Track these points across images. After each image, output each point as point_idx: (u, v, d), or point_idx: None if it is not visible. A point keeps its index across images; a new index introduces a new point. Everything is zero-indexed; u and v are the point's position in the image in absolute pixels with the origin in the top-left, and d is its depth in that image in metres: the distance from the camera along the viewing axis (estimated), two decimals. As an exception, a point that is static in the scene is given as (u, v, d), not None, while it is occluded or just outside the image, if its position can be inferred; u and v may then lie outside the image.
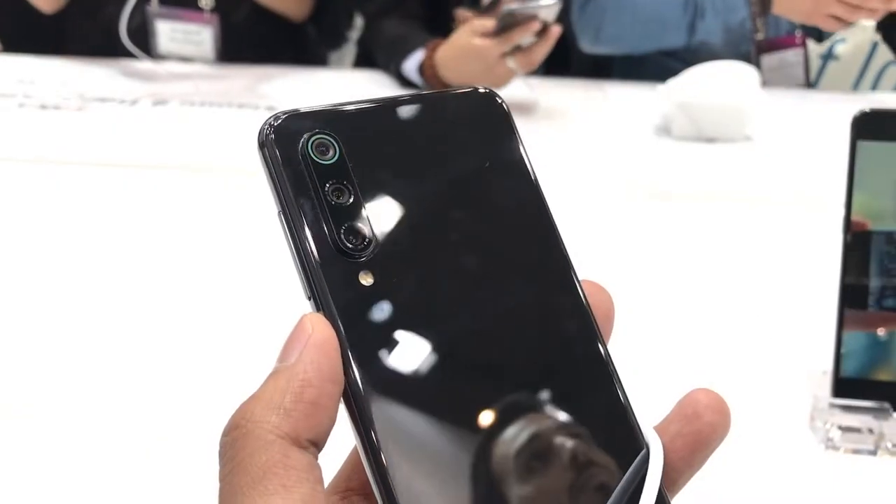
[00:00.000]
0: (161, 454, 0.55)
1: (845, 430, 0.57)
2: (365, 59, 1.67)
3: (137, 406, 0.60)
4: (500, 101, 0.31)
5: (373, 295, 0.27)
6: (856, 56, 1.63)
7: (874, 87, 1.61)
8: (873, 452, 0.57)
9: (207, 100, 1.34)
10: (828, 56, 1.62)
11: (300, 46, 1.69)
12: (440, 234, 0.28)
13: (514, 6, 1.26)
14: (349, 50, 1.84)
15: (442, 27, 1.42)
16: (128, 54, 1.51)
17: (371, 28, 1.59)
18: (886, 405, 0.56)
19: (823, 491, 0.54)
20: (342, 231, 0.27)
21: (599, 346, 0.29)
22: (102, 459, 0.55)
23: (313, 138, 0.28)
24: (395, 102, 0.30)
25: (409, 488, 0.25)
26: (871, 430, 0.57)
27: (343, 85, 1.50)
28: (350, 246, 0.27)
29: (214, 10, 1.52)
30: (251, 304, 0.74)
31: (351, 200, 0.28)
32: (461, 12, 1.40)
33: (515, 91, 1.36)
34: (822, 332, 0.60)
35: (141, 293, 0.76)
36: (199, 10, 1.52)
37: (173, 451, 0.55)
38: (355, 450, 0.29)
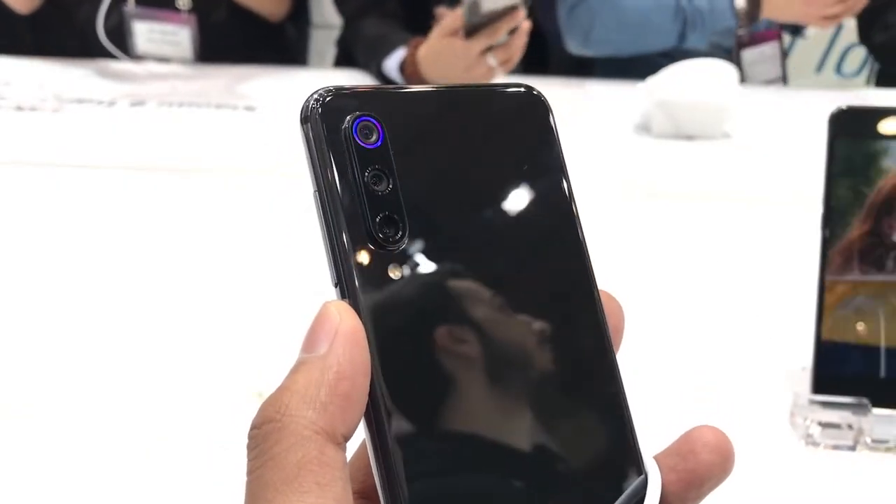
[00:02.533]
0: (161, 454, 0.55)
1: (825, 426, 0.57)
2: (345, 60, 1.66)
3: (137, 406, 0.60)
4: (545, 102, 0.30)
5: (399, 290, 0.26)
6: (822, 35, 1.71)
7: (838, 66, 1.68)
8: (852, 448, 0.57)
9: (186, 100, 1.33)
10: (796, 34, 1.71)
11: (279, 46, 1.68)
12: (471, 234, 0.28)
13: (485, 7, 1.26)
14: (329, 50, 1.83)
15: (421, 26, 1.41)
16: (105, 55, 1.50)
17: (350, 28, 1.59)
18: (865, 401, 0.57)
19: (804, 487, 0.55)
20: (377, 219, 0.26)
21: (612, 364, 0.29)
22: (102, 459, 0.55)
23: (359, 120, 0.27)
24: (441, 92, 0.29)
25: (415, 492, 0.25)
26: (850, 426, 0.57)
27: (323, 84, 1.49)
28: (383, 236, 0.26)
29: (192, 10, 1.51)
30: (237, 302, 0.74)
31: (389, 188, 0.27)
32: (441, 11, 1.40)
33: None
34: (801, 329, 0.60)
35: (128, 293, 0.75)
36: (177, 10, 1.51)
37: (173, 451, 0.55)
38: (359, 451, 0.28)
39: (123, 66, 1.50)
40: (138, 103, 1.31)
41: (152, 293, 0.76)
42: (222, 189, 1.01)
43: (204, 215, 0.95)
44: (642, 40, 1.55)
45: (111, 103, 1.31)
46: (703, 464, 0.27)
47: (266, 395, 0.63)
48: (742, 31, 1.57)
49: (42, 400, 0.60)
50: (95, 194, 0.99)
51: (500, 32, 1.28)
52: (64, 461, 0.54)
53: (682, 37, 1.52)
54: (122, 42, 1.50)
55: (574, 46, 1.60)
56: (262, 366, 0.64)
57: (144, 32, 1.50)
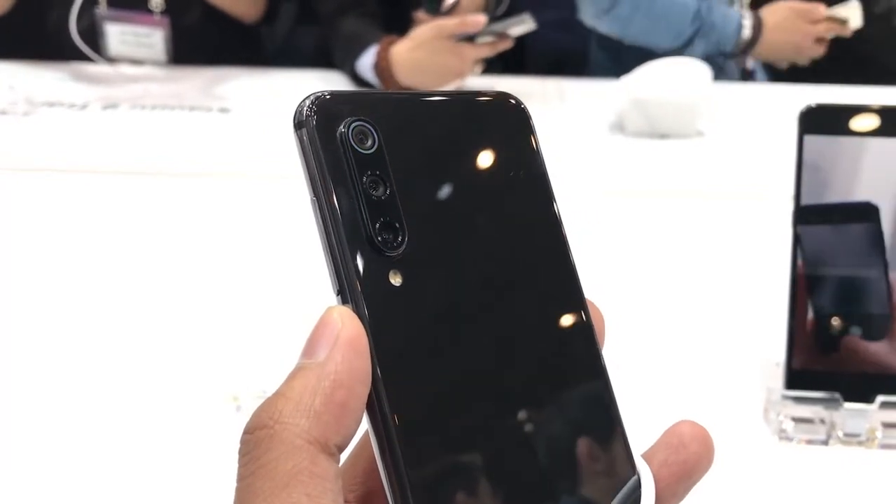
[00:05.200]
0: (160, 454, 0.55)
1: (798, 421, 0.58)
2: (325, 61, 1.65)
3: (137, 406, 0.60)
4: (527, 111, 0.31)
5: (400, 295, 0.26)
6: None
7: None
8: (825, 442, 0.58)
9: (159, 103, 1.32)
10: None
11: (253, 47, 1.67)
12: (464, 240, 0.28)
13: (497, 26, 1.32)
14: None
15: (400, 28, 1.41)
16: (77, 57, 1.48)
17: (329, 27, 1.58)
18: (837, 395, 0.57)
19: (778, 481, 0.55)
20: (377, 225, 0.26)
21: (602, 369, 0.29)
22: (102, 459, 0.55)
23: (354, 125, 0.27)
24: (431, 98, 0.29)
25: (421, 495, 0.25)
26: (822, 421, 0.58)
27: (298, 85, 1.49)
28: (384, 242, 0.26)
29: (165, 12, 1.49)
30: (215, 306, 0.74)
31: (387, 194, 0.27)
32: (420, 15, 1.41)
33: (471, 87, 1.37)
34: (774, 324, 0.61)
35: (103, 297, 0.75)
36: (150, 12, 1.49)
37: (172, 451, 0.56)
38: (354, 457, 0.29)
39: (95, 68, 1.48)
40: (111, 106, 1.30)
41: (127, 297, 0.75)
42: (197, 192, 1.01)
43: (179, 218, 0.94)
44: (655, 32, 1.57)
45: (83, 106, 1.30)
46: (694, 455, 0.28)
47: (241, 398, 0.63)
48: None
49: (41, 400, 0.60)
50: (67, 199, 0.98)
51: (496, 49, 1.34)
52: (64, 461, 0.54)
53: (690, 42, 1.56)
54: (95, 45, 1.49)
55: (588, 16, 1.61)
56: (241, 370, 0.63)
57: (117, 34, 1.49)
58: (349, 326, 0.25)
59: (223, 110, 1.30)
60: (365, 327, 0.25)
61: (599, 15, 1.60)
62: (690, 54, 1.55)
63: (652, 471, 0.28)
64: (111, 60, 1.50)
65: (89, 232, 0.89)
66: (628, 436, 0.29)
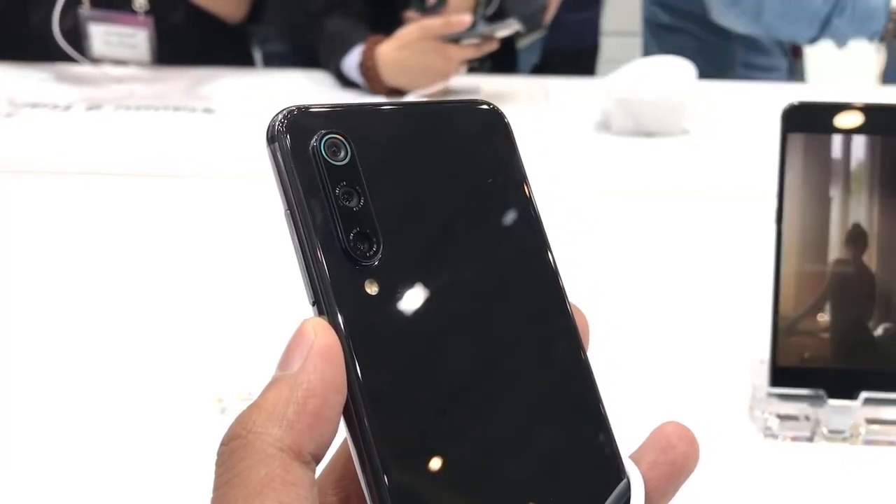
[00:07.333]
0: (144, 456, 0.55)
1: (783, 418, 0.58)
2: (311, 61, 1.65)
3: (122, 406, 0.60)
4: (505, 117, 0.31)
5: (377, 305, 0.26)
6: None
7: None
8: (810, 439, 0.58)
9: (143, 103, 1.31)
10: None
11: (239, 48, 1.66)
12: (443, 248, 0.28)
13: (483, 29, 1.33)
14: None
15: (388, 28, 1.41)
16: (60, 58, 1.47)
17: (314, 27, 1.58)
18: (821, 392, 0.58)
19: (763, 478, 0.55)
20: (351, 236, 0.27)
21: (589, 372, 0.29)
22: (87, 459, 0.55)
23: (326, 137, 0.27)
24: (404, 109, 0.30)
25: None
26: (807, 418, 0.58)
27: (283, 85, 1.48)
28: (358, 252, 0.26)
29: (149, 12, 1.49)
30: (201, 307, 0.73)
31: (361, 205, 0.27)
32: (410, 14, 1.41)
33: (459, 86, 1.37)
34: (759, 322, 0.61)
35: (87, 299, 0.74)
36: (133, 12, 1.49)
37: (157, 452, 0.55)
38: (332, 461, 0.29)
39: (79, 69, 1.47)
40: (95, 107, 1.29)
41: (112, 299, 0.75)
42: (183, 193, 1.00)
43: (163, 219, 0.94)
44: (789, 16, 1.45)
45: (67, 107, 1.29)
46: (682, 455, 0.28)
47: (226, 400, 0.63)
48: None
49: (41, 400, 0.60)
50: (51, 201, 0.98)
51: (481, 50, 1.35)
52: (63, 462, 0.54)
53: (828, 22, 1.43)
54: (78, 45, 1.48)
55: (717, 14, 1.52)
56: (226, 371, 0.63)
57: (101, 35, 1.48)
58: (322, 337, 0.25)
59: (207, 110, 1.30)
60: (340, 337, 0.25)
61: (726, 9, 1.49)
62: (837, 41, 1.44)
63: (641, 472, 0.28)
64: (95, 61, 1.49)
65: (74, 234, 0.89)
66: (616, 438, 0.29)
